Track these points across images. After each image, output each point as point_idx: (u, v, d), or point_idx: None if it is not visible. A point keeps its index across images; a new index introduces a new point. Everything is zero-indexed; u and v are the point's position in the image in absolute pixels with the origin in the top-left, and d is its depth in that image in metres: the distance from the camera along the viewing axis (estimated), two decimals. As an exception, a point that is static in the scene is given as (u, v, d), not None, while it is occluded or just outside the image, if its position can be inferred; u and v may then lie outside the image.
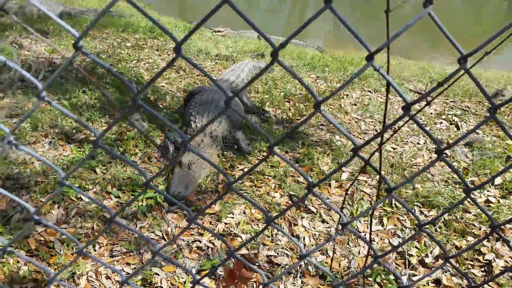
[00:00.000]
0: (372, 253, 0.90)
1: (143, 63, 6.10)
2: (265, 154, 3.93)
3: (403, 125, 1.24)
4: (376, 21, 14.45)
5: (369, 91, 5.70)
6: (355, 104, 5.25)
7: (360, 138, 4.39)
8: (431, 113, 5.16)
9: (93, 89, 4.73)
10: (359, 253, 2.92)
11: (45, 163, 0.78)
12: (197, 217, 0.86)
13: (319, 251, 2.92)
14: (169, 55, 6.66)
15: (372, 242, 3.03)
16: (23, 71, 0.73)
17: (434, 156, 4.21)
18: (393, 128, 4.63)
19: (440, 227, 3.16)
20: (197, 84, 5.51)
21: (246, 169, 3.71)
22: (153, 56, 6.49)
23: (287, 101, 5.19)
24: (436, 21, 0.65)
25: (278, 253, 2.85)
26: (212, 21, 12.00)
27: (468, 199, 1.02)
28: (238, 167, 3.73)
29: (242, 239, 2.92)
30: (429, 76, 6.91)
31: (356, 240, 3.05)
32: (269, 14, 17.20)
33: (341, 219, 0.88)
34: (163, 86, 5.31)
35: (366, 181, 3.67)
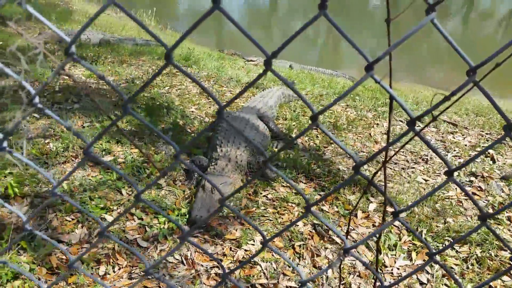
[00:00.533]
0: (379, 284, 0.83)
1: (175, 89, 6.25)
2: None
3: (407, 142, 1.18)
4: (413, 52, 14.32)
5: (401, 121, 5.57)
6: (385, 134, 5.13)
7: (390, 168, 4.25)
8: (465, 145, 4.96)
9: (124, 112, 4.86)
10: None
11: (39, 172, 0.76)
12: (189, 237, 0.82)
13: (342, 285, 2.79)
14: (200, 82, 6.79)
15: (399, 277, 2.87)
16: (19, 78, 0.73)
17: (468, 189, 4.02)
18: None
19: (472, 264, 2.97)
20: (226, 110, 5.56)
21: (270, 195, 3.65)
22: (185, 83, 6.64)
23: (314, 128, 5.14)
24: (440, 30, 0.60)
25: (298, 284, 2.74)
26: (245, 51, 12.26)
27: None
28: (261, 193, 3.68)
29: (261, 267, 2.83)
30: (465, 108, 6.69)
31: (382, 273, 2.90)
32: (304, 45, 17.40)
33: (344, 244, 0.82)
34: (192, 111, 5.39)
35: (394, 213, 3.52)
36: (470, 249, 3.21)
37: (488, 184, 4.06)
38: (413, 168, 4.33)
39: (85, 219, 3.15)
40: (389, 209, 3.59)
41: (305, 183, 3.90)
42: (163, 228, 3.13)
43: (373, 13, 25.31)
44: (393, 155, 1.07)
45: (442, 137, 5.15)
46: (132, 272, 2.77)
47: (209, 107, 5.61)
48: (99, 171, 3.79)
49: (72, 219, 3.14)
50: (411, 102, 6.78)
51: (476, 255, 3.10)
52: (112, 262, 2.81)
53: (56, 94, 5.33)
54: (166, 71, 7.24)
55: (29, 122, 4.40)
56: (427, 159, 4.52)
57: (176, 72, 7.25)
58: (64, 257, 2.79)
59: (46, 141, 4.12)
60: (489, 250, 3.10)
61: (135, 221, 3.22)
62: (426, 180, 4.11)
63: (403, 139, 4.97)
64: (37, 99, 0.75)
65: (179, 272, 2.77)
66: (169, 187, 3.65)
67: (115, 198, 3.45)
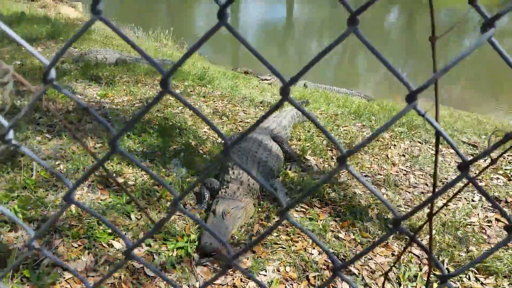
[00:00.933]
0: None
1: (189, 109, 6.19)
2: (304, 206, 3.72)
3: (459, 191, 1.02)
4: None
5: (419, 142, 5.38)
6: (404, 155, 4.95)
7: (409, 193, 4.08)
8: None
9: (137, 133, 4.81)
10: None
11: (20, 225, 0.66)
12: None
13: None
14: (214, 101, 6.74)
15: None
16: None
17: (491, 215, 3.80)
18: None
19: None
20: (240, 130, 5.47)
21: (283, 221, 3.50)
22: (198, 102, 6.59)
23: (329, 150, 4.99)
24: (499, 51, 0.49)
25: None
26: (259, 70, 12.25)
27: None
28: (274, 218, 3.54)
29: (273, 300, 2.68)
30: (484, 128, 6.48)
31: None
32: (319, 63, 17.32)
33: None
34: (205, 132, 5.32)
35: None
36: (496, 281, 3.02)
37: (516, 210, 3.85)
38: (433, 192, 4.14)
39: (92, 245, 3.05)
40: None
41: (319, 207, 3.75)
42: (171, 255, 3.01)
43: (389, 31, 25.23)
44: (441, 208, 0.90)
45: (463, 159, 4.94)
46: (138, 302, 2.65)
47: (222, 127, 5.53)
48: (109, 194, 3.71)
49: (79, 245, 3.05)
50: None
51: (504, 287, 2.90)
52: (118, 292, 2.70)
53: (70, 114, 5.33)
54: (180, 90, 7.22)
55: (40, 143, 4.38)
56: (446, 182, 4.32)
57: (190, 91, 7.22)
58: (68, 286, 2.69)
59: (57, 163, 4.08)
60: (518, 283, 2.90)
61: (143, 248, 3.12)
62: (446, 205, 3.92)
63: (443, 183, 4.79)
64: (11, 134, 0.65)
65: (187, 303, 2.64)
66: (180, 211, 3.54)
67: (124, 223, 3.36)
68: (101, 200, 3.63)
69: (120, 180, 3.91)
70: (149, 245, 3.13)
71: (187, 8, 25.83)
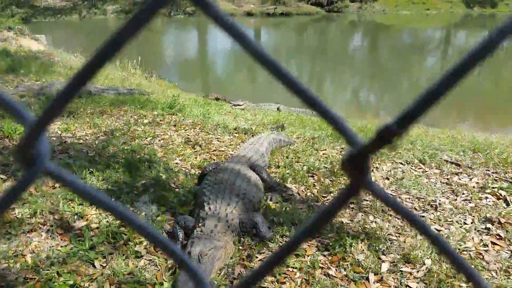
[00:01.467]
0: None
1: (158, 140, 5.84)
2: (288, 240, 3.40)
3: None
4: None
5: (401, 163, 5.20)
6: (388, 178, 4.73)
7: (398, 219, 3.82)
8: (473, 187, 4.58)
9: (101, 169, 4.41)
10: None
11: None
12: None
13: None
14: (186, 130, 6.42)
15: None
16: None
17: (486, 238, 3.59)
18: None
19: None
20: (214, 159, 5.15)
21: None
22: (169, 132, 6.25)
23: (311, 176, 4.72)
24: None
25: None
26: (232, 96, 12.06)
27: None
28: (257, 257, 3.20)
29: None
30: (461, 144, 6.38)
31: None
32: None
33: None
34: (176, 163, 4.96)
35: (411, 273, 3.06)
36: (502, 313, 2.77)
37: (507, 231, 3.65)
38: (423, 217, 3.90)
39: (48, 303, 2.63)
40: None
41: (305, 241, 3.43)
42: (143, 310, 2.62)
43: (353, 53, 25.87)
44: None
45: (447, 179, 4.76)
46: None
47: (195, 158, 5.19)
48: (70, 239, 3.29)
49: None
50: (406, 141, 6.43)
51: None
52: None
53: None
54: (149, 120, 6.86)
55: (-9, 186, 3.92)
56: (436, 205, 4.11)
57: (160, 121, 6.88)
58: None
59: (11, 207, 3.62)
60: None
61: (109, 302, 2.71)
62: (439, 231, 3.68)
63: None
64: None
65: None
66: (150, 255, 3.16)
67: (87, 272, 2.94)
68: (61, 247, 3.21)
69: (82, 223, 3.49)
70: (116, 299, 2.72)
71: (154, 38, 25.65)
